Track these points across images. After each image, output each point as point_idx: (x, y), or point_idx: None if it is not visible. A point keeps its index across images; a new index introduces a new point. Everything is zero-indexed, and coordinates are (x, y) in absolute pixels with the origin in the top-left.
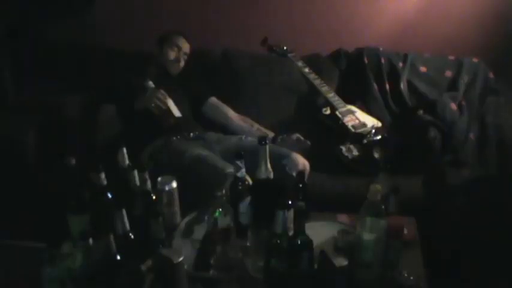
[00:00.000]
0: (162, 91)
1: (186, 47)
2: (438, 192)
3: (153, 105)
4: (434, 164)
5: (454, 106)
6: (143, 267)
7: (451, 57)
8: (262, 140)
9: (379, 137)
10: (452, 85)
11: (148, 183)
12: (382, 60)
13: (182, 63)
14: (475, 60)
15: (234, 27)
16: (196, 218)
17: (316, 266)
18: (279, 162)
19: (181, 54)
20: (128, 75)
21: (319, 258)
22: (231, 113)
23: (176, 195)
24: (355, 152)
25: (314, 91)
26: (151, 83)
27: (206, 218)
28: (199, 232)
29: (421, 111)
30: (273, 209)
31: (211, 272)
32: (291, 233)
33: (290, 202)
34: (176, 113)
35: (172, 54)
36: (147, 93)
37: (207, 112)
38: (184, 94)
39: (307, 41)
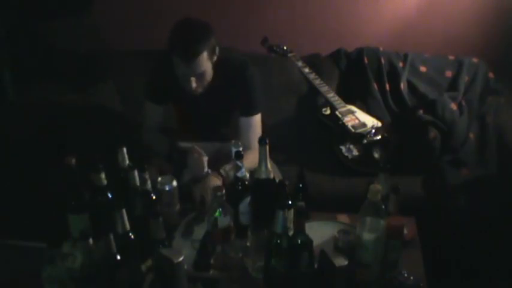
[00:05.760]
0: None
1: None
2: (438, 192)
3: None
4: (434, 164)
5: (454, 106)
6: (143, 267)
7: (451, 57)
8: (262, 140)
9: (379, 137)
10: (452, 85)
11: (149, 183)
12: (382, 60)
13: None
14: (475, 60)
15: (234, 27)
16: (196, 218)
17: (316, 266)
18: None
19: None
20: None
21: (319, 258)
22: None
23: (176, 195)
24: (355, 152)
25: (314, 91)
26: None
27: (206, 218)
28: (199, 232)
29: (421, 111)
30: (273, 209)
31: (211, 272)
32: (291, 233)
33: (290, 202)
34: None
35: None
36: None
37: None
38: None
39: (307, 41)
